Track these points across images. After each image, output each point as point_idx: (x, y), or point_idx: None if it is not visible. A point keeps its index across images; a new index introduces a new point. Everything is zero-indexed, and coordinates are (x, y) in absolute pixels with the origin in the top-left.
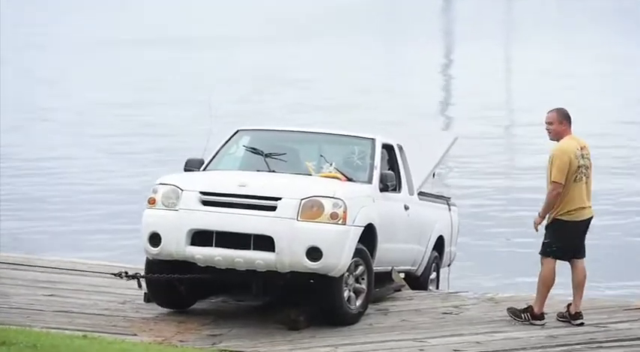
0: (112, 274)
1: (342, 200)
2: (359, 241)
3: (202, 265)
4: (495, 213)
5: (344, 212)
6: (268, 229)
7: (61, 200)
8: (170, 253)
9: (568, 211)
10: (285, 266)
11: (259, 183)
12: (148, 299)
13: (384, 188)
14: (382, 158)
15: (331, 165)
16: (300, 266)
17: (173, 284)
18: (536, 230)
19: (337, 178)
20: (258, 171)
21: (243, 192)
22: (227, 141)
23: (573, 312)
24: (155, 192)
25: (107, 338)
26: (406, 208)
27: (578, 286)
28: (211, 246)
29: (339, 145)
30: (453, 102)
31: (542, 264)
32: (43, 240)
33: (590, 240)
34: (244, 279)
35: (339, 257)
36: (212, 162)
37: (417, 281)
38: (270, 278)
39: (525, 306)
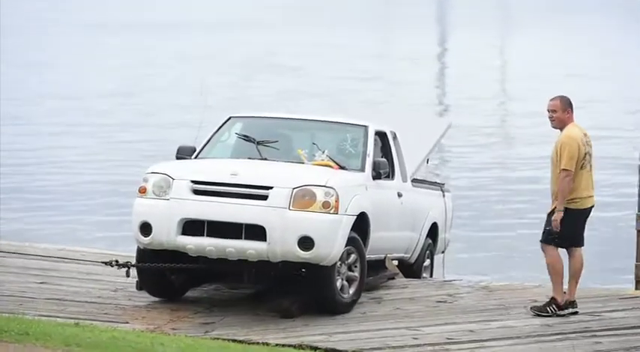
0: (103, 262)
1: (334, 189)
2: (351, 229)
3: (193, 255)
4: (489, 202)
5: (336, 201)
6: (260, 219)
7: (55, 189)
8: (161, 243)
9: (573, 199)
10: (277, 255)
11: (251, 171)
12: (140, 287)
13: (376, 176)
14: (375, 145)
15: (323, 152)
16: (292, 255)
17: (164, 274)
18: (558, 226)
19: (330, 166)
20: (250, 158)
21: (235, 181)
22: (219, 128)
23: (567, 301)
24: (146, 180)
25: (99, 326)
26: (399, 195)
27: (574, 275)
28: (202, 235)
29: (331, 132)
30: (447, 90)
31: (544, 252)
32: (36, 230)
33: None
34: (236, 269)
35: (331, 246)
36: (204, 150)
37: (411, 269)
38: (261, 268)
39: (547, 300)
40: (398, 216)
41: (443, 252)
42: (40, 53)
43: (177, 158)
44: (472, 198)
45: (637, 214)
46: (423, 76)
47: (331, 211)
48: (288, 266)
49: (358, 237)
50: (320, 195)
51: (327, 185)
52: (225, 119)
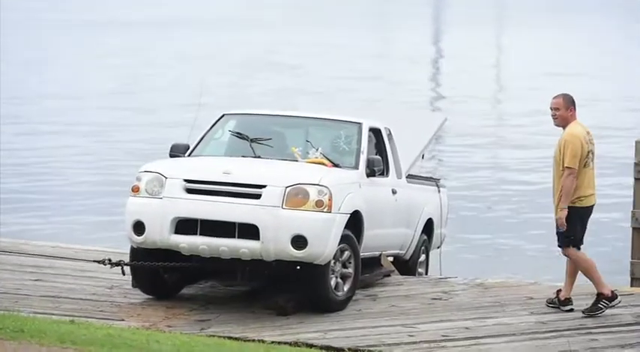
0: (96, 261)
1: (327, 187)
2: (345, 227)
3: (187, 254)
4: (486, 198)
5: (329, 199)
6: (253, 217)
7: (55, 190)
8: (154, 241)
9: (579, 197)
10: (270, 254)
11: (244, 170)
12: (135, 284)
13: (370, 173)
14: (369, 142)
15: (317, 150)
16: (285, 254)
17: (158, 272)
18: (565, 224)
19: (323, 164)
20: (243, 156)
21: (228, 180)
22: (213, 126)
23: (563, 298)
24: (139, 179)
25: (94, 323)
26: (394, 192)
27: (572, 273)
28: (196, 234)
29: (325, 129)
30: (446, 90)
31: (567, 256)
32: (36, 230)
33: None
34: (229, 268)
35: (324, 245)
36: (197, 148)
37: (406, 265)
38: (255, 267)
39: (595, 297)
40: (392, 214)
41: (439, 248)
42: (40, 52)
43: (171, 156)
44: (468, 198)
45: (632, 212)
46: (423, 76)
47: (324, 210)
48: (281, 265)
49: (352, 235)
50: (313, 193)
51: (320, 183)
52: (219, 116)
